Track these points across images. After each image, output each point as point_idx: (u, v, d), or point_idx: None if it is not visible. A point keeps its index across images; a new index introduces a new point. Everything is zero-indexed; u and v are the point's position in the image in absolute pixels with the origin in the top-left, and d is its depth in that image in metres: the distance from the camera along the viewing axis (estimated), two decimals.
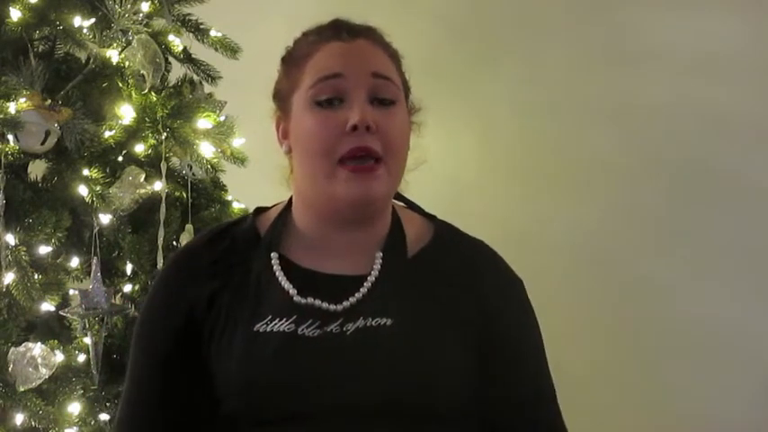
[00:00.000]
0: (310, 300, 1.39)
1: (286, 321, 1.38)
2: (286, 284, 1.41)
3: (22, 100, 2.24)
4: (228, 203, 2.59)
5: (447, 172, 3.09)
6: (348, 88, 1.39)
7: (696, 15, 2.98)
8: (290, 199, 1.50)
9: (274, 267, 1.43)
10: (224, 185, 2.62)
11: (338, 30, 1.45)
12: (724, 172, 2.92)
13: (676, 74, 2.99)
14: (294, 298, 1.40)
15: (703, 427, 2.85)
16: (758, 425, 2.83)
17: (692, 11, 2.98)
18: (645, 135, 3.00)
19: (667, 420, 2.87)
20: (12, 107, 2.22)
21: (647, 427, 2.89)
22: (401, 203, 1.54)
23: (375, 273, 1.42)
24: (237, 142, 2.54)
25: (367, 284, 1.41)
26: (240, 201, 2.61)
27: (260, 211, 1.53)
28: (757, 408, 2.84)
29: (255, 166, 2.47)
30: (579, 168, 3.05)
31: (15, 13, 2.35)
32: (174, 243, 2.42)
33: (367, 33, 1.46)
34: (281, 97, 1.47)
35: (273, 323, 1.38)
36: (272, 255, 1.44)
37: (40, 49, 2.42)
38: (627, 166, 3.01)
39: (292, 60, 1.46)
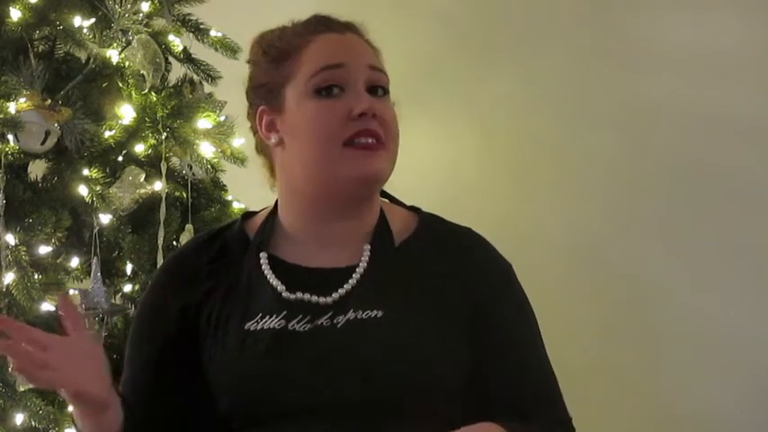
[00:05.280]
0: (299, 294, 1.40)
1: (276, 318, 1.39)
2: (274, 281, 1.42)
3: (22, 100, 2.24)
4: (228, 203, 2.59)
5: (447, 172, 3.09)
6: (348, 78, 1.43)
7: (697, 15, 2.98)
8: (276, 202, 1.51)
9: (263, 266, 1.44)
10: (224, 185, 2.62)
11: (328, 23, 1.48)
12: (724, 172, 2.92)
13: (677, 74, 2.98)
14: (283, 294, 1.41)
15: (703, 426, 2.85)
16: (758, 424, 2.83)
17: (694, 11, 2.98)
18: (645, 135, 3.00)
19: (667, 419, 2.87)
20: (12, 107, 2.22)
21: (646, 427, 2.89)
22: (385, 199, 1.54)
23: (363, 264, 1.42)
24: (237, 142, 2.54)
25: (356, 276, 1.42)
26: (240, 201, 2.61)
27: (248, 215, 1.55)
28: (757, 407, 2.83)
29: (255, 166, 2.47)
30: (579, 169, 3.05)
31: (15, 13, 2.34)
32: (174, 243, 2.42)
33: (354, 28, 1.49)
34: (269, 90, 1.47)
35: (264, 321, 1.39)
36: (261, 254, 1.45)
37: (40, 49, 2.42)
38: (627, 167, 3.01)
39: (281, 53, 1.47)
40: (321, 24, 1.48)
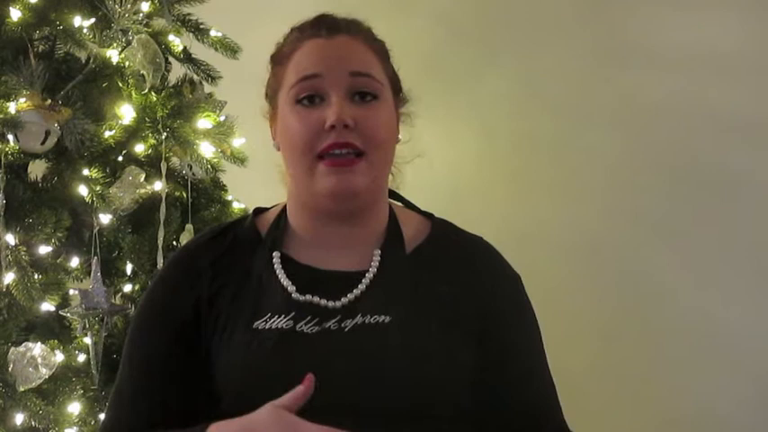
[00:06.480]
0: (309, 297, 1.40)
1: (284, 318, 1.39)
2: (285, 282, 1.42)
3: (22, 100, 2.24)
4: (228, 203, 2.59)
5: (446, 172, 3.09)
6: (326, 87, 1.41)
7: (697, 15, 2.98)
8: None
9: (275, 266, 1.44)
10: (224, 185, 2.63)
11: (319, 26, 1.46)
12: (724, 171, 2.92)
13: (677, 74, 2.98)
14: (293, 295, 1.40)
15: (703, 426, 2.85)
16: (758, 424, 2.83)
17: (694, 10, 2.98)
18: (645, 135, 3.00)
19: (667, 419, 2.87)
20: (12, 107, 2.22)
21: (646, 426, 2.89)
22: (398, 203, 1.54)
23: (373, 269, 1.42)
24: (237, 142, 2.54)
25: (365, 281, 1.41)
26: (240, 201, 2.61)
27: (259, 211, 1.54)
28: (757, 407, 2.83)
29: (255, 166, 2.48)
30: (579, 168, 3.05)
31: (15, 13, 2.34)
32: (174, 243, 2.42)
33: (348, 29, 1.47)
34: (271, 96, 1.49)
35: (272, 320, 1.39)
36: (273, 254, 1.45)
37: (40, 49, 2.42)
38: (627, 166, 3.01)
39: (277, 59, 1.48)
40: (311, 29, 1.46)
